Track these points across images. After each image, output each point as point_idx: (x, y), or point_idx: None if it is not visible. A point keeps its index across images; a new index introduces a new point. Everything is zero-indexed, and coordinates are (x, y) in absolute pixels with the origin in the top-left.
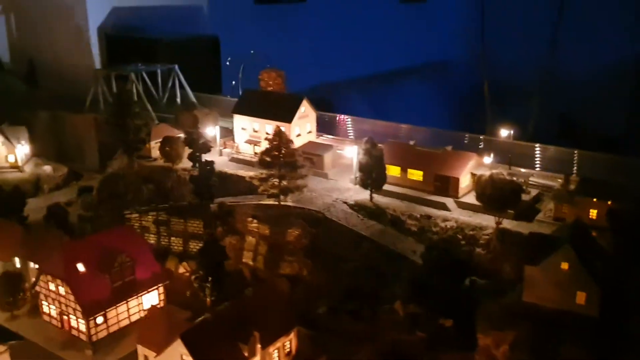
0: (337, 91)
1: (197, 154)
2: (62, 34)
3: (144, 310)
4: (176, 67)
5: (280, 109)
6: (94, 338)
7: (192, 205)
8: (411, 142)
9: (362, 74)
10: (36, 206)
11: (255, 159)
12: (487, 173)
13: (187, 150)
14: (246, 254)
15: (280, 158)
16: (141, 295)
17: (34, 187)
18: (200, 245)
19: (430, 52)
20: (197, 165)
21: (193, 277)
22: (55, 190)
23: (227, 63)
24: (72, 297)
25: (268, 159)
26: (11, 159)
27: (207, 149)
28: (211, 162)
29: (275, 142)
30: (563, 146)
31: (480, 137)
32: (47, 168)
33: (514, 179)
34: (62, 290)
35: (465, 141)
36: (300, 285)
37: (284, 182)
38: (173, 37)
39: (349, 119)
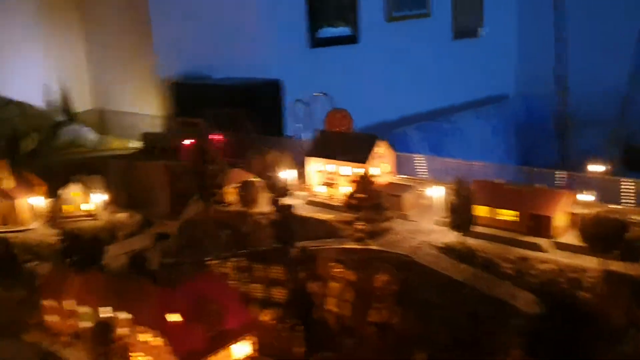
0: (394, 130)
1: (277, 197)
2: (129, 83)
3: None
4: (243, 111)
5: (355, 149)
6: None
7: (272, 250)
8: (499, 181)
9: (417, 112)
10: (113, 253)
11: (332, 202)
12: (590, 211)
13: (264, 195)
14: (330, 300)
15: (366, 200)
16: (232, 345)
17: (109, 235)
18: (284, 291)
19: (485, 87)
20: (277, 209)
21: (281, 325)
22: (130, 237)
23: (291, 105)
24: (166, 349)
25: (354, 201)
26: (87, 207)
27: (285, 192)
28: (290, 206)
29: (360, 185)
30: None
31: (560, 173)
32: (122, 215)
33: (618, 216)
34: (155, 341)
35: (555, 179)
36: (391, 333)
37: (370, 225)
38: (235, 82)
39: (422, 158)
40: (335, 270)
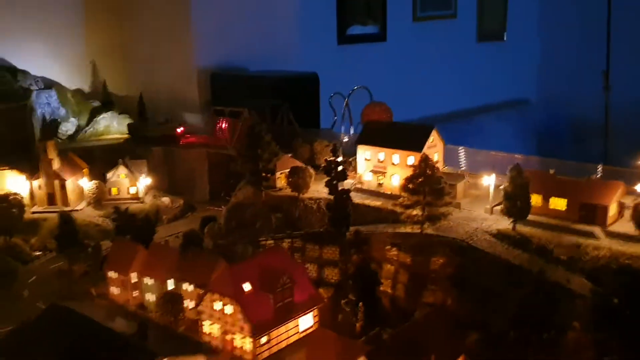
0: None
1: (334, 182)
2: (170, 72)
3: (300, 332)
4: (285, 104)
5: (409, 138)
6: (258, 358)
7: (327, 232)
8: (551, 171)
9: (440, 112)
10: (158, 236)
11: (380, 189)
12: None
13: (313, 180)
14: (384, 282)
15: (426, 185)
16: (299, 317)
17: (154, 218)
18: (336, 272)
19: (508, 90)
20: (334, 193)
21: (343, 301)
22: (173, 220)
23: (330, 99)
24: (239, 316)
25: (413, 185)
26: (133, 190)
27: (344, 177)
28: (348, 191)
29: (420, 169)
30: None
31: (602, 167)
32: (165, 200)
33: None
34: (228, 309)
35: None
36: (445, 314)
37: (428, 210)
38: (273, 75)
39: (462, 150)
40: (390, 253)
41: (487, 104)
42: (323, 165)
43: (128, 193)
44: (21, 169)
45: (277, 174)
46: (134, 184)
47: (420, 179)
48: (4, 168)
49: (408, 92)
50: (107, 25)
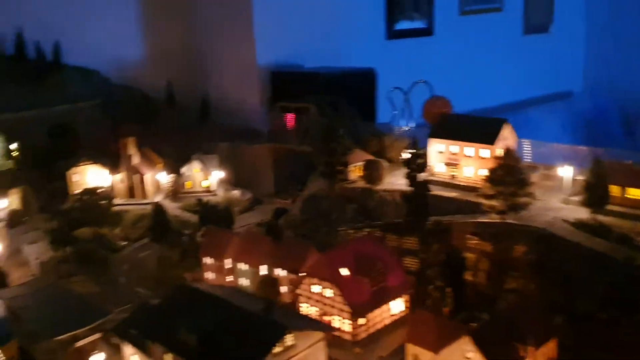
0: None
1: (413, 173)
2: (231, 71)
3: (392, 315)
4: (343, 100)
5: (481, 131)
6: (356, 337)
7: (406, 222)
8: (629, 162)
9: (487, 105)
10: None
11: (453, 181)
12: None
13: (388, 172)
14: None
15: (509, 175)
16: (392, 301)
17: (225, 212)
18: (416, 260)
19: (554, 82)
20: (413, 184)
21: (431, 287)
22: (243, 212)
23: (389, 93)
24: (339, 299)
25: (496, 176)
26: (205, 183)
27: (423, 169)
28: (427, 182)
29: (504, 161)
30: None
31: None
32: (236, 192)
33: None
34: (327, 292)
35: None
36: (529, 299)
37: (510, 200)
38: (331, 71)
39: (528, 143)
40: (470, 241)
41: (534, 96)
42: (401, 158)
43: (201, 186)
44: (103, 164)
45: (350, 167)
46: (206, 178)
47: (503, 171)
48: (88, 162)
49: (454, 85)
50: (169, 26)
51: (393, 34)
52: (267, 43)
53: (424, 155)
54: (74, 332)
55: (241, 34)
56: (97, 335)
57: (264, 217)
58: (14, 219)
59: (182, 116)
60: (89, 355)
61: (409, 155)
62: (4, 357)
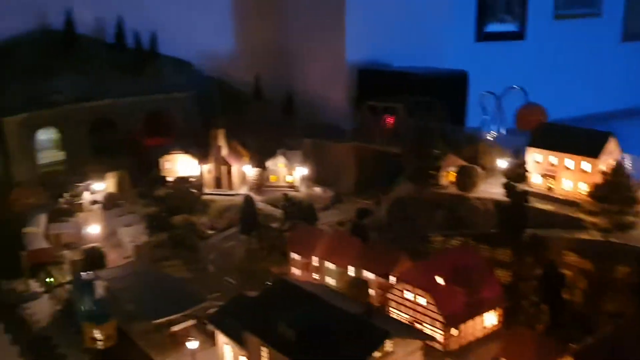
0: None
1: (512, 183)
2: (318, 67)
3: (485, 327)
4: (438, 101)
5: (585, 143)
6: (447, 348)
7: (501, 233)
8: None
9: (579, 114)
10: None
11: (550, 193)
12: None
13: (482, 180)
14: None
15: (617, 192)
16: (485, 313)
17: (309, 209)
18: (508, 274)
19: None
20: (511, 195)
21: (526, 302)
22: (324, 210)
23: (480, 97)
24: (432, 307)
25: (601, 193)
26: (289, 178)
27: (522, 179)
28: (526, 192)
29: (611, 176)
30: None
31: None
32: (318, 190)
33: None
34: (421, 300)
35: None
36: (629, 322)
37: (616, 217)
38: (422, 72)
39: (630, 158)
40: (568, 258)
41: (629, 107)
42: (498, 166)
43: (285, 181)
44: (193, 154)
45: (442, 172)
46: (290, 173)
47: (610, 187)
48: (179, 152)
49: (545, 92)
50: (261, 20)
51: (483, 37)
52: (357, 40)
53: (523, 165)
54: (170, 317)
55: (331, 30)
56: (191, 322)
57: (345, 216)
58: (110, 202)
59: (268, 110)
60: (183, 341)
61: (508, 164)
62: (102, 336)
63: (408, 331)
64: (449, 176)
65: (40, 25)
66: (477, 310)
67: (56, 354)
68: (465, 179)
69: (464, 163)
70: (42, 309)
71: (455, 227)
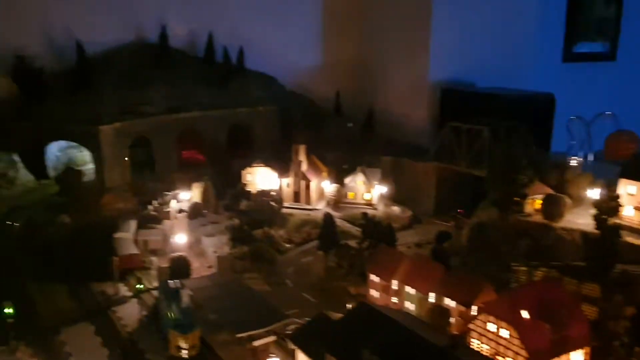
0: None
1: (604, 215)
2: (400, 85)
3: None
4: (523, 125)
5: None
6: None
7: (588, 267)
8: None
9: None
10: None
11: None
12: None
13: (569, 209)
14: None
15: None
16: (572, 352)
17: (388, 229)
18: (595, 309)
19: None
20: (601, 227)
21: (617, 342)
22: (402, 230)
23: (568, 122)
24: (516, 342)
25: None
26: (367, 196)
27: (615, 212)
28: (618, 227)
29: None
30: None
31: None
32: (396, 209)
33: None
34: (504, 332)
35: None
36: None
37: None
38: (507, 93)
39: None
40: None
41: None
42: (590, 196)
43: (363, 199)
44: (273, 167)
45: (528, 200)
46: (369, 191)
47: None
48: (260, 165)
49: (638, 119)
50: (344, 36)
51: (570, 57)
52: (441, 59)
53: (616, 198)
54: (254, 332)
55: (416, 48)
56: (272, 338)
57: (423, 237)
58: (194, 211)
59: (347, 127)
60: (263, 356)
61: (600, 195)
62: (187, 345)
63: None
64: (534, 204)
65: (137, 38)
66: (564, 348)
67: (143, 359)
68: (552, 207)
69: (550, 191)
70: (129, 314)
71: (539, 258)
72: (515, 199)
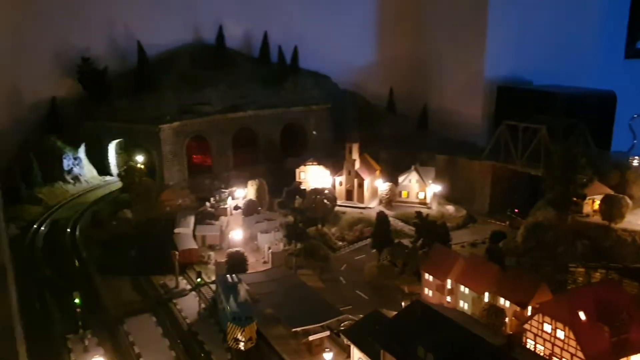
0: None
1: None
2: (455, 82)
3: None
4: (582, 124)
5: None
6: None
7: None
8: None
9: None
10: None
11: None
12: None
13: (630, 210)
14: None
15: None
16: (633, 355)
17: (443, 228)
18: None
19: None
20: None
21: None
22: (456, 229)
23: (631, 120)
24: (572, 344)
25: None
26: (421, 195)
27: None
28: None
29: None
30: None
31: None
32: (450, 208)
33: None
34: (560, 334)
35: None
36: None
37: None
38: (565, 91)
39: None
40: None
41: None
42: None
43: (417, 197)
44: (326, 165)
45: (586, 199)
46: (422, 190)
47: None
48: (313, 163)
49: None
50: (399, 36)
51: (633, 53)
52: (497, 57)
53: None
54: (309, 326)
55: (471, 47)
56: (327, 333)
57: (478, 237)
58: (250, 208)
59: (401, 124)
60: (317, 350)
61: None
62: (244, 338)
63: None
64: (593, 204)
65: (195, 40)
66: (624, 351)
67: (203, 350)
68: (612, 208)
69: (610, 191)
70: (189, 306)
71: (597, 259)
72: (574, 199)
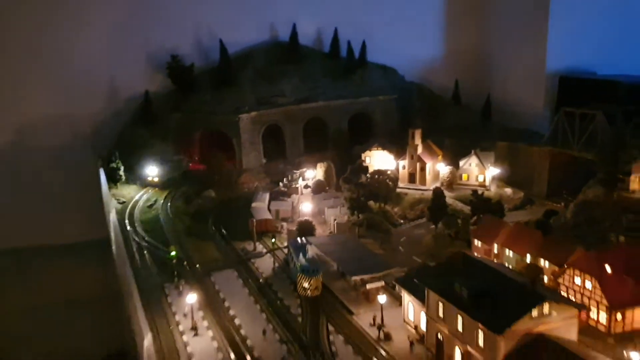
0: None
1: None
2: (518, 73)
3: None
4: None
5: None
6: (612, 331)
7: None
8: None
9: None
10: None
11: None
12: None
13: None
14: None
15: None
16: None
17: (497, 205)
18: None
19: None
20: None
21: None
22: (513, 210)
23: None
24: (598, 292)
25: None
26: (480, 178)
27: None
28: None
29: None
30: None
31: None
32: (508, 190)
33: None
34: (588, 284)
35: None
36: None
37: None
38: (628, 79)
39: None
40: None
41: None
42: None
43: (476, 180)
44: (390, 150)
45: (632, 177)
46: (482, 173)
47: None
48: (378, 148)
49: None
50: (464, 29)
51: None
52: (559, 48)
53: None
54: (365, 276)
55: (533, 38)
56: (381, 283)
57: (532, 216)
58: (318, 188)
59: (465, 114)
60: (373, 299)
61: None
62: (311, 287)
63: (566, 300)
64: (639, 181)
65: (271, 37)
66: None
67: (276, 296)
68: None
69: None
70: (265, 265)
71: None
72: (620, 176)
